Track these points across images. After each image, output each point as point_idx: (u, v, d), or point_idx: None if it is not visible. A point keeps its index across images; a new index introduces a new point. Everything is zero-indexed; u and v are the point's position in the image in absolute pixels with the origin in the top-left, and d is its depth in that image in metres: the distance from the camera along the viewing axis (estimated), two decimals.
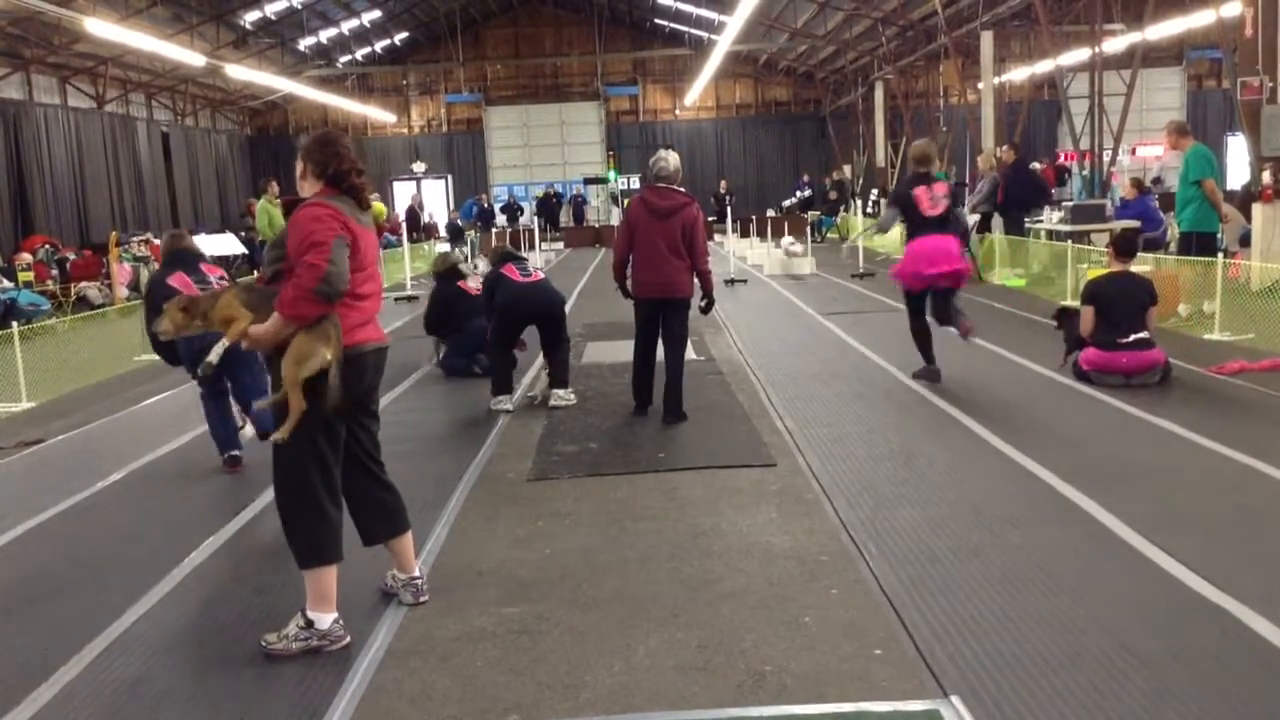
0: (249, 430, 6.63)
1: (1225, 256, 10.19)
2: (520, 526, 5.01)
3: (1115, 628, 3.57)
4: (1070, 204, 15.53)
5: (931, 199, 7.66)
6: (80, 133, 23.11)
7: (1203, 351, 8.55)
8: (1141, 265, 8.82)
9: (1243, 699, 3.08)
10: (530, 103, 37.68)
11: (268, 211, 14.78)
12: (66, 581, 4.60)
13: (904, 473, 5.59)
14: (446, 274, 9.59)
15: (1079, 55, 22.80)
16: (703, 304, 7.28)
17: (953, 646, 3.49)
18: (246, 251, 21.46)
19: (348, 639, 3.72)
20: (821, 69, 36.95)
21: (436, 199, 36.20)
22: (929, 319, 7.96)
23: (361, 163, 3.83)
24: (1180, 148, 10.57)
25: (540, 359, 8.23)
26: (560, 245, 30.20)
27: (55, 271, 18.17)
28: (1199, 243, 10.36)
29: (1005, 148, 16.97)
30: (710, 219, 19.88)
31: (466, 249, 23.22)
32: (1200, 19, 21.96)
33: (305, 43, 31.99)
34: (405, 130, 37.97)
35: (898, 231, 9.47)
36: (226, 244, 21.32)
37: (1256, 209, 12.13)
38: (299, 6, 28.47)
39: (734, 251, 19.54)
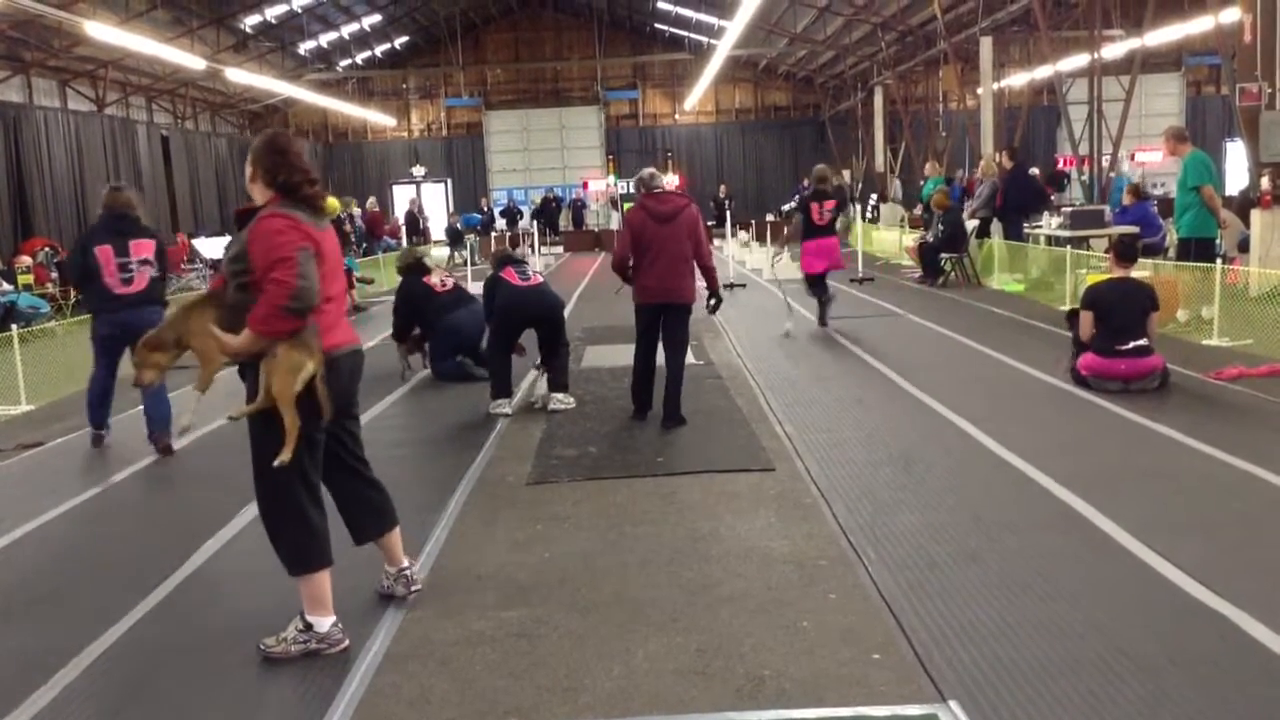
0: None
1: (1224, 262, 10.20)
2: (519, 530, 5.01)
3: (1113, 633, 3.57)
4: (1069, 209, 15.53)
5: (820, 212, 10.94)
6: (80, 136, 23.06)
7: (1201, 357, 8.56)
8: (1140, 271, 8.82)
9: (1241, 704, 3.09)
10: (530, 107, 37.72)
11: None
12: (66, 584, 4.61)
13: (903, 478, 5.59)
14: (411, 269, 9.45)
15: (1078, 61, 22.88)
16: (710, 303, 7.29)
17: (951, 651, 3.49)
18: None
19: (346, 642, 3.72)
20: (821, 74, 37.03)
21: (436, 203, 36.20)
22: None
23: (315, 169, 3.72)
24: (1179, 153, 10.57)
25: (535, 364, 8.21)
26: (560, 249, 30.21)
27: (55, 274, 18.14)
28: (1197, 248, 10.35)
29: (1004, 153, 17.00)
30: (710, 223, 19.89)
31: (465, 253, 23.24)
32: (1199, 25, 22.02)
33: (305, 46, 32.04)
34: (405, 134, 38.02)
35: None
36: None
37: (1255, 215, 12.13)
38: (299, 10, 28.50)
39: (733, 256, 19.53)
